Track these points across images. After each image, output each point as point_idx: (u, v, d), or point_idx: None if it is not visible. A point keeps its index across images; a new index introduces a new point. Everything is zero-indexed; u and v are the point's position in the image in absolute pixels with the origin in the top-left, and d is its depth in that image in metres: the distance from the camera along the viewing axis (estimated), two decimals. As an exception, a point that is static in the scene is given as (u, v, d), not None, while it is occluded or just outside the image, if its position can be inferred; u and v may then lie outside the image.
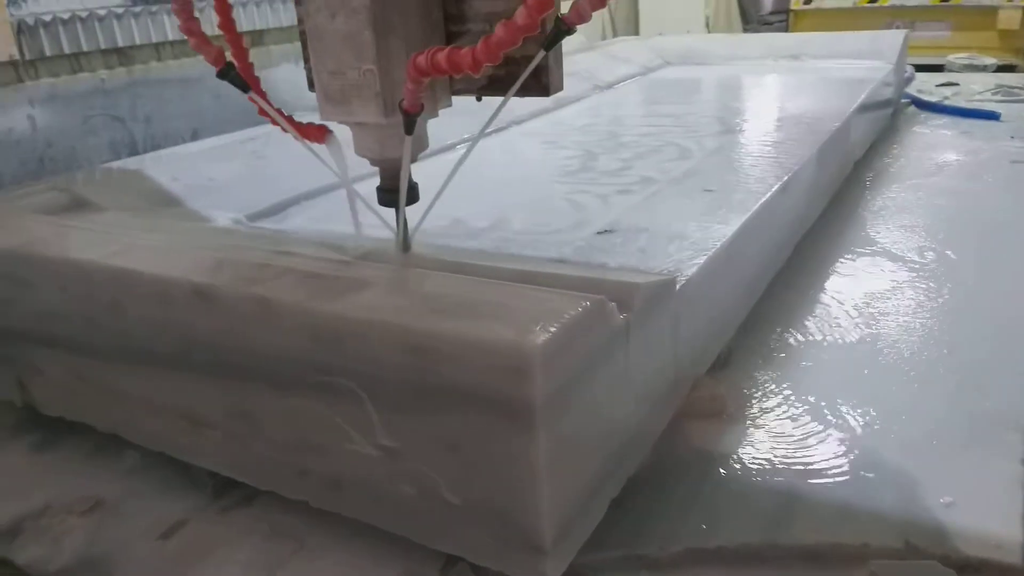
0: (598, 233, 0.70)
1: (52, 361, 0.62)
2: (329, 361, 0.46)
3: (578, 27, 0.46)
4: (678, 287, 0.57)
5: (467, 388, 0.42)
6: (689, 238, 0.66)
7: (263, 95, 0.59)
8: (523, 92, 0.52)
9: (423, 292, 0.47)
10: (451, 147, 0.98)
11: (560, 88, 0.55)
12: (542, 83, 0.53)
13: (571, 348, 0.42)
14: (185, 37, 0.58)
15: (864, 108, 1.21)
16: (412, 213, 0.58)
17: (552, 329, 0.41)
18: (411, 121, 0.50)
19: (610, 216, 0.75)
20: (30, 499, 0.61)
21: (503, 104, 0.52)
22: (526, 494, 0.42)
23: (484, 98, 0.56)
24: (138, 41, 1.29)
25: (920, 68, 1.99)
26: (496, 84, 0.54)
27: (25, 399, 0.67)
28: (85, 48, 1.22)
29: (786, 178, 0.79)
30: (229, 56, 0.59)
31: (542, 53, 0.49)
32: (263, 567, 0.52)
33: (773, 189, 0.76)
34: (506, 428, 0.41)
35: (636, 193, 0.82)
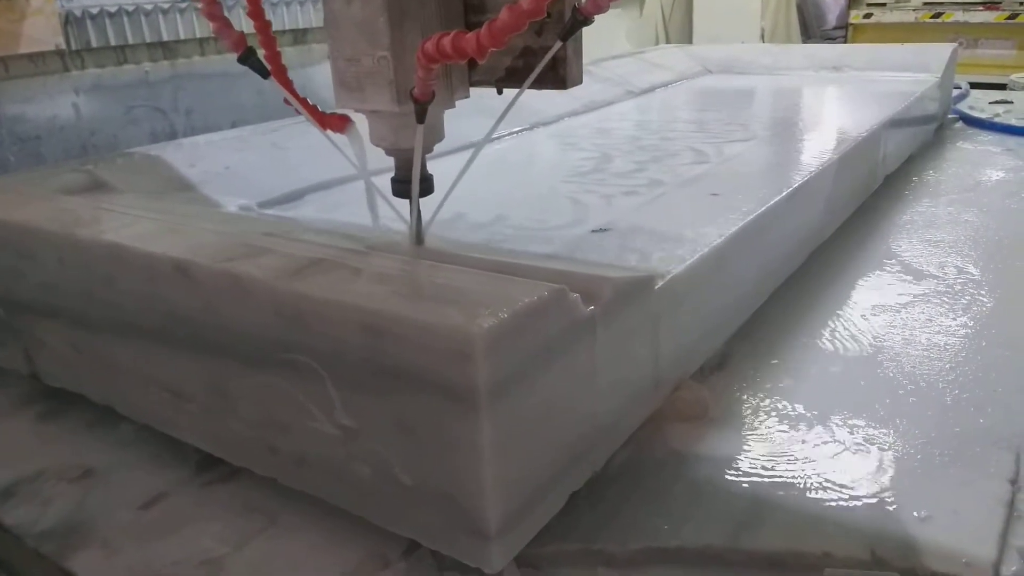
0: (592, 231, 0.70)
1: (53, 333, 0.65)
2: (292, 339, 0.47)
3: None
4: (658, 286, 0.56)
5: (417, 370, 0.42)
6: (682, 239, 0.65)
7: (288, 83, 0.58)
8: (540, 84, 0.52)
9: (388, 276, 0.48)
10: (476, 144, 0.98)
11: (579, 81, 0.54)
12: (559, 75, 0.53)
13: (523, 335, 0.42)
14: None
15: (899, 122, 1.19)
16: (427, 205, 0.57)
17: (501, 315, 0.41)
18: (422, 109, 0.49)
19: (610, 216, 0.75)
20: (27, 465, 0.63)
21: (519, 95, 0.52)
22: (471, 478, 0.42)
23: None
24: (182, 35, 1.33)
25: (982, 86, 1.94)
26: (515, 76, 0.54)
27: (31, 369, 0.69)
28: (131, 40, 1.26)
29: (794, 186, 0.78)
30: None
31: (558, 44, 0.48)
32: (232, 542, 0.53)
33: (778, 196, 0.75)
34: (453, 411, 0.41)
35: (641, 195, 0.81)
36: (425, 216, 0.58)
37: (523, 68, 0.52)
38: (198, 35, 1.37)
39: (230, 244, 0.54)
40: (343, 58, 0.53)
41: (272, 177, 0.87)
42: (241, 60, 0.57)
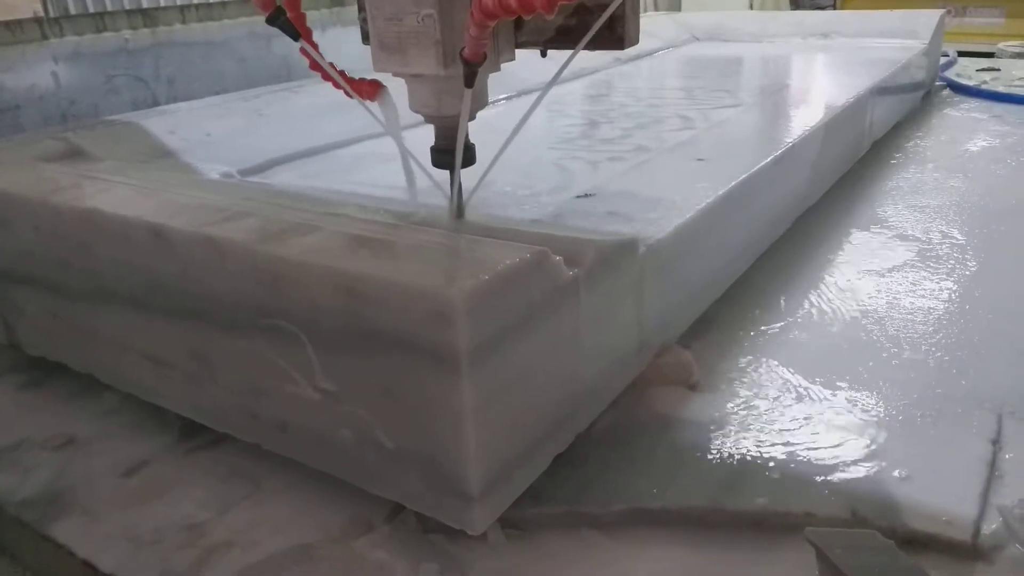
0: (577, 197, 0.69)
1: (32, 301, 0.64)
2: (271, 303, 0.46)
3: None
4: (642, 250, 0.56)
5: (397, 333, 0.42)
6: (667, 204, 0.65)
7: (315, 46, 0.54)
8: (595, 44, 0.48)
9: (367, 238, 0.47)
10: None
11: (636, 41, 0.51)
12: (617, 34, 0.50)
13: (504, 297, 0.42)
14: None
15: (886, 89, 1.18)
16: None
17: (481, 276, 0.40)
18: (472, 72, 0.46)
19: (595, 181, 0.74)
20: (8, 434, 0.63)
21: (573, 55, 0.49)
22: (453, 440, 0.42)
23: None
24: (163, 3, 1.30)
25: (971, 55, 1.93)
26: (565, 36, 0.50)
27: (10, 338, 0.69)
28: (110, 8, 1.23)
29: (779, 152, 0.78)
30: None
31: (617, 0, 0.45)
32: (215, 507, 0.53)
33: (764, 161, 0.74)
34: (433, 374, 0.41)
35: (627, 160, 0.81)
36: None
37: (576, 27, 0.49)
38: (179, 2, 1.34)
39: (208, 209, 0.53)
40: (383, 17, 0.49)
41: (253, 144, 0.86)
42: (269, 21, 0.52)
